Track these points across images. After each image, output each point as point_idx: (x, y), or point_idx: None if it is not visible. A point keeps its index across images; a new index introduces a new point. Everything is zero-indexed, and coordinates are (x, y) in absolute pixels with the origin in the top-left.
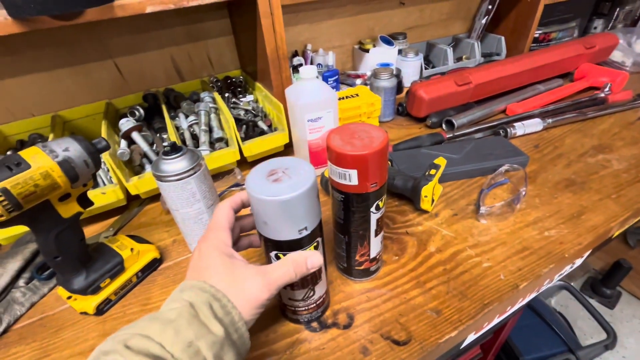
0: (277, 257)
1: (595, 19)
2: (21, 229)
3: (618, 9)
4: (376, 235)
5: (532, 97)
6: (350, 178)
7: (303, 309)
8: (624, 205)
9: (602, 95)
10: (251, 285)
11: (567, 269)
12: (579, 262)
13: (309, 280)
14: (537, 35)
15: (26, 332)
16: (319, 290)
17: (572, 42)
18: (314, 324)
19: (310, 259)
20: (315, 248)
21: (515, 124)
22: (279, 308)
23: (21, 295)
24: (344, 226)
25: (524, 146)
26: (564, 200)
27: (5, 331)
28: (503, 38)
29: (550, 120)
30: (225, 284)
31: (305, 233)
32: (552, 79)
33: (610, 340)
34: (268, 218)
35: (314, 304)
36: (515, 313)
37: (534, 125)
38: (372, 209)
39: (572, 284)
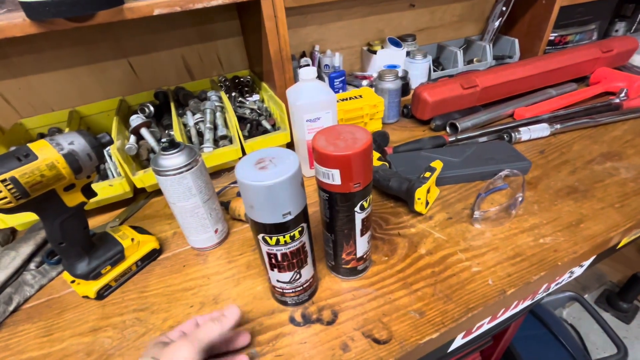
0: (264, 240)
1: (617, 21)
2: (35, 216)
3: None
4: (362, 235)
5: (542, 101)
6: (333, 178)
7: (290, 291)
8: (627, 215)
9: (617, 100)
10: (179, 350)
11: (566, 278)
12: (578, 271)
13: (295, 263)
14: (552, 38)
15: (33, 312)
16: (305, 273)
17: (588, 45)
18: (298, 318)
19: (226, 309)
20: (300, 233)
21: (520, 129)
22: (270, 291)
23: (31, 277)
24: (329, 224)
25: (529, 151)
26: (563, 207)
27: (15, 310)
28: (517, 40)
29: (558, 126)
30: None
31: (289, 217)
32: (566, 83)
33: (621, 356)
34: (254, 202)
35: (301, 287)
36: (513, 319)
37: (541, 130)
38: (357, 208)
39: (586, 296)
